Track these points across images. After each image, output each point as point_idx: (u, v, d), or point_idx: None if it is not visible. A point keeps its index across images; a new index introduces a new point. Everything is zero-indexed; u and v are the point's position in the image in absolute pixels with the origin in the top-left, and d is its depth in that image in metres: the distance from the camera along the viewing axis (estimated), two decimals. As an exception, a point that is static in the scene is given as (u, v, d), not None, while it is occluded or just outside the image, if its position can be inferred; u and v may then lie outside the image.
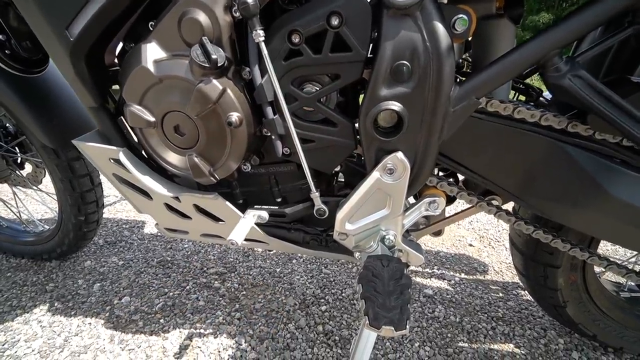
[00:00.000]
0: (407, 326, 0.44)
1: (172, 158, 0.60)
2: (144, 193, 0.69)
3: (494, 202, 0.68)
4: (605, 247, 1.45)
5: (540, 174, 0.58)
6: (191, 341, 0.94)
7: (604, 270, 0.70)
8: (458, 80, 0.65)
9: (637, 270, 0.70)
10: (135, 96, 0.55)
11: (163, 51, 0.53)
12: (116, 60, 0.65)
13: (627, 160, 0.54)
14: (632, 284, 0.95)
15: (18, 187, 1.22)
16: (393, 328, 0.44)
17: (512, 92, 0.83)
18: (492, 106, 0.54)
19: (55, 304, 1.07)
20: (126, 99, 0.56)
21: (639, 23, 0.42)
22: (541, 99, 0.86)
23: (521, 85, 0.80)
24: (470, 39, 0.76)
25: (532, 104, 0.72)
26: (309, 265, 1.29)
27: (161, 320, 1.01)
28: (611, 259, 0.68)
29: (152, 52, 0.53)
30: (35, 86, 0.86)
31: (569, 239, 0.69)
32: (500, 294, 1.20)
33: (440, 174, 0.71)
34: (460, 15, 0.48)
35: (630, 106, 0.44)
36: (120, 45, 0.63)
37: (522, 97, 0.85)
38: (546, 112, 0.54)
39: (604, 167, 0.53)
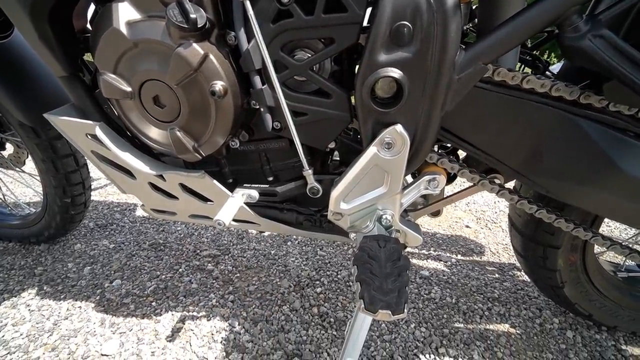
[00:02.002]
0: (405, 310, 0.41)
1: (153, 133, 0.56)
2: (127, 172, 0.65)
3: (496, 181, 0.65)
4: (601, 228, 1.45)
5: (548, 149, 0.54)
6: (184, 324, 0.93)
7: (606, 250, 0.68)
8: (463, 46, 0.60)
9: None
10: (108, 63, 0.50)
11: (137, 11, 0.47)
12: (89, 26, 0.59)
13: (641, 134, 0.50)
14: (631, 263, 0.94)
15: (0, 168, 1.16)
16: (390, 312, 0.41)
17: (518, 65, 0.78)
18: (499, 75, 0.50)
19: (44, 288, 1.04)
20: (99, 66, 0.50)
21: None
22: (547, 72, 0.81)
23: (528, 57, 0.75)
24: (474, 7, 0.70)
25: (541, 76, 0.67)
26: (304, 247, 1.27)
27: (153, 304, 0.99)
28: (614, 239, 0.66)
29: (125, 13, 0.47)
30: (1, 53, 0.77)
31: (572, 218, 0.67)
32: (497, 275, 1.19)
33: (440, 150, 0.68)
34: (469, -31, 0.43)
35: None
36: (92, 7, 0.57)
37: (528, 70, 0.80)
38: (557, 82, 0.49)
39: (618, 141, 0.49)
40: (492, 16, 0.53)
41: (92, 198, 1.37)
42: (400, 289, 0.43)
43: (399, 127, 0.49)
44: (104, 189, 1.76)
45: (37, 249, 1.22)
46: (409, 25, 0.43)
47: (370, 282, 0.44)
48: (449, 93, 0.46)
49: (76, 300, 0.99)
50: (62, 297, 1.01)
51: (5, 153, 1.14)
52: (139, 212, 1.52)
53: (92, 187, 1.24)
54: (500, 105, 0.53)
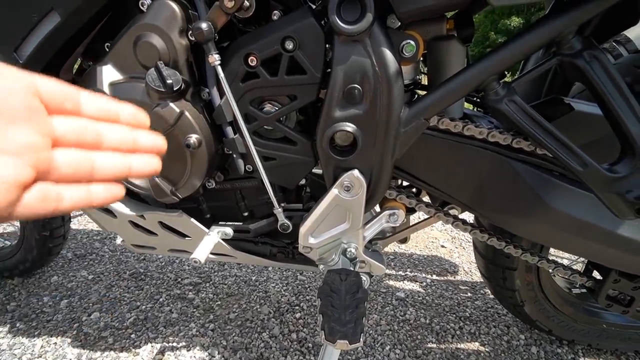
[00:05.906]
0: (361, 339, 0.46)
1: (133, 179, 0.60)
2: (108, 211, 0.68)
3: (452, 212, 0.71)
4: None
5: (490, 187, 0.61)
6: (163, 355, 0.93)
7: (551, 272, 0.76)
8: (416, 97, 0.68)
9: (581, 271, 0.76)
10: (91, 118, 0.54)
11: (119, 73, 0.53)
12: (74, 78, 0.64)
13: (564, 174, 0.59)
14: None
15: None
16: (347, 342, 0.46)
17: (470, 106, 0.87)
18: (443, 124, 0.57)
19: (17, 325, 1.03)
20: (82, 120, 0.55)
21: (561, 54, 0.47)
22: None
23: (476, 99, 0.84)
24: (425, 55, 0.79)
25: (489, 114, 0.76)
26: (284, 273, 1.30)
27: (132, 336, 0.99)
28: (558, 262, 0.74)
29: (108, 74, 0.52)
30: None
31: (521, 244, 0.74)
32: (469, 294, 1.25)
33: (405, 183, 0.74)
34: (408, 41, 0.50)
35: (556, 130, 0.48)
36: (79, 62, 0.62)
37: (482, 109, 0.89)
38: (493, 129, 0.57)
39: (544, 181, 0.57)
40: (436, 74, 0.61)
41: (70, 226, 1.37)
42: (357, 320, 0.48)
43: (355, 172, 0.55)
44: (83, 217, 1.74)
45: (11, 283, 1.20)
46: (359, 87, 0.50)
47: (330, 314, 0.48)
48: (397, 143, 0.53)
49: (51, 337, 0.99)
50: (36, 333, 1.00)
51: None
52: (120, 240, 1.52)
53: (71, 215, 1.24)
54: (447, 149, 0.61)
